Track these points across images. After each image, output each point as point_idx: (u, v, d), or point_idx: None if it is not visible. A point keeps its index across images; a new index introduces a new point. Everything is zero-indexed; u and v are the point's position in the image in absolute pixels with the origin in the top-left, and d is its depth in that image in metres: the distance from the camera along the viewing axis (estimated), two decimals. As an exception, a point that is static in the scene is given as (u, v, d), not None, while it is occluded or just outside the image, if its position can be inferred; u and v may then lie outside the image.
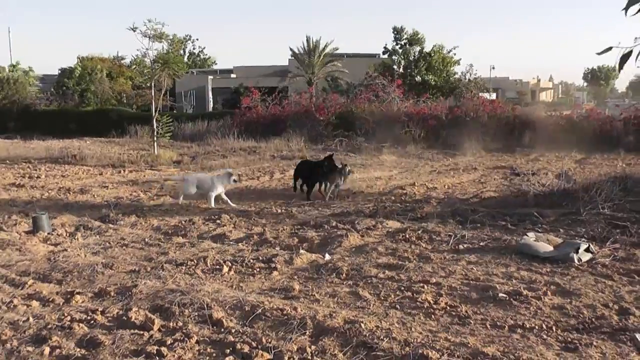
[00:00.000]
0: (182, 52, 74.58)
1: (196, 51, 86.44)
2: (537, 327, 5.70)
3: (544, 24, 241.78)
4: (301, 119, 30.90)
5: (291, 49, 54.07)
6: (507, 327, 5.73)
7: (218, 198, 13.07)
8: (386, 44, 55.42)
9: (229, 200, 13.03)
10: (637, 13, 4.07)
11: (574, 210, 10.76)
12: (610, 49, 4.22)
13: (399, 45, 54.01)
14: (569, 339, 5.43)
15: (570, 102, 67.71)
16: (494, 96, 56.19)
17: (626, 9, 4.09)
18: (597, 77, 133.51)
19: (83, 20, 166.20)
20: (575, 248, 8.17)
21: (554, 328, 5.69)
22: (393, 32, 54.21)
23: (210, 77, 66.47)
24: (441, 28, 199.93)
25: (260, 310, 5.96)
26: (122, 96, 51.83)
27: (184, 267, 7.87)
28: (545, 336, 5.51)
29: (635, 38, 4.05)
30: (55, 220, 11.04)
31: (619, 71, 4.60)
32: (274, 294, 6.77)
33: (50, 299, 6.59)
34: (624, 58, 4.30)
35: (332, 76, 52.02)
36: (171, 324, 5.73)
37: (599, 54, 4.25)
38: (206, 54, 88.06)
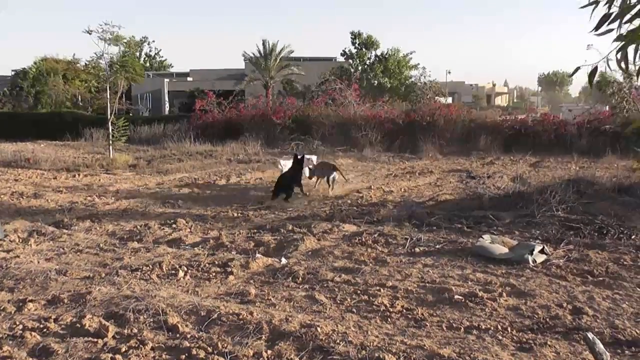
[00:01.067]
0: (138, 54, 73.90)
1: (152, 53, 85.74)
2: (492, 328, 5.79)
3: (498, 30, 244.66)
4: (258, 122, 30.85)
5: (246, 53, 53.98)
6: (462, 328, 5.81)
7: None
8: (345, 48, 55.76)
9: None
10: (605, 33, 4.17)
11: (529, 212, 10.95)
12: (579, 68, 4.33)
13: (356, 49, 54.30)
14: (524, 339, 5.53)
15: (525, 106, 68.46)
16: (450, 100, 56.72)
17: (597, 28, 4.19)
18: (552, 83, 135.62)
19: (38, 21, 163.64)
20: (530, 250, 8.33)
21: (509, 329, 5.79)
22: (350, 36, 54.54)
23: (167, 80, 66.03)
24: (399, 33, 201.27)
25: (215, 315, 5.96)
26: (77, 99, 51.20)
27: (139, 273, 7.80)
28: (500, 337, 5.60)
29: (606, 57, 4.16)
30: (7, 226, 10.84)
31: (591, 86, 4.73)
32: (230, 298, 6.76)
33: (2, 307, 6.46)
34: (592, 74, 4.41)
35: (289, 79, 52.06)
36: (126, 330, 5.67)
37: (569, 76, 4.42)
38: (162, 57, 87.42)
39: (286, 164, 16.29)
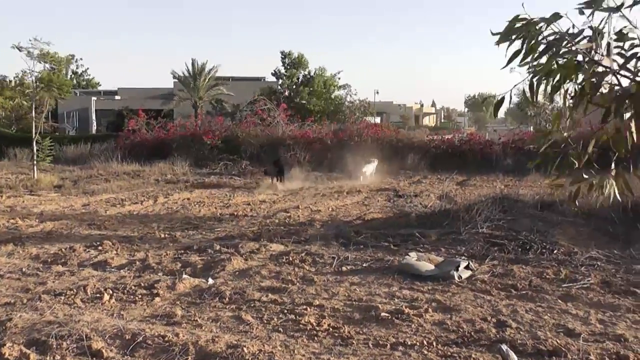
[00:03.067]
0: (65, 71, 72.63)
1: (80, 71, 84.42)
2: (418, 344, 5.87)
3: (426, 51, 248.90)
4: (187, 142, 30.64)
5: (175, 73, 53.65)
6: (389, 345, 5.86)
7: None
8: (275, 68, 55.81)
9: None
10: (520, 65, 4.34)
11: (455, 229, 11.16)
12: (502, 102, 4.51)
13: (285, 69, 54.42)
14: (449, 353, 5.64)
15: (452, 126, 69.85)
16: (378, 120, 57.32)
17: (508, 63, 4.36)
18: (478, 104, 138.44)
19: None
20: (455, 266, 8.48)
21: (434, 343, 5.88)
22: (281, 56, 54.64)
23: (94, 98, 65.18)
24: (328, 52, 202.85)
25: (141, 338, 5.87)
26: (1, 117, 49.92)
27: (62, 297, 7.62)
28: (426, 352, 5.69)
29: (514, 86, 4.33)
30: None
31: (495, 116, 4.92)
32: (156, 320, 6.68)
33: None
34: (497, 105, 4.59)
35: (218, 99, 51.91)
36: (48, 358, 5.53)
37: (481, 103, 4.62)
38: (90, 75, 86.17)
39: (368, 168, 23.64)
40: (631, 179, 4.42)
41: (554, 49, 4.18)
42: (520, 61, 4.32)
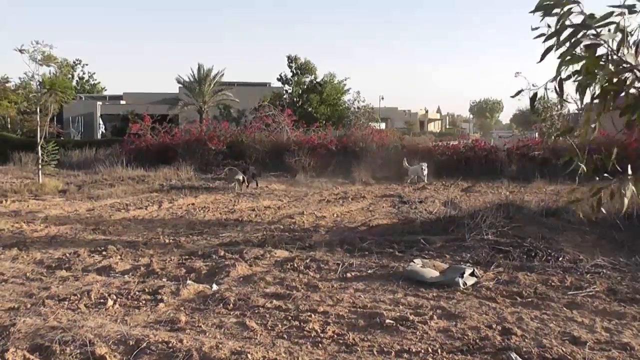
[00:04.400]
0: (70, 76, 72.73)
1: (85, 76, 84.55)
2: (423, 351, 5.84)
3: (431, 57, 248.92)
4: (192, 147, 30.66)
5: (181, 78, 53.69)
6: (393, 352, 5.83)
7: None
8: (282, 72, 55.71)
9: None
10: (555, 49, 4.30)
11: (460, 236, 11.11)
12: (521, 91, 4.46)
13: (292, 74, 54.35)
14: (454, 361, 5.61)
15: (457, 132, 69.82)
16: (383, 126, 57.29)
17: (541, 59, 4.33)
18: (483, 110, 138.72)
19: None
20: (460, 273, 8.44)
21: (439, 351, 5.85)
22: (287, 61, 54.57)
23: (99, 103, 65.21)
24: (333, 58, 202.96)
25: (145, 344, 5.86)
26: (6, 121, 49.99)
27: (66, 302, 7.61)
28: (430, 359, 5.67)
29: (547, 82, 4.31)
30: None
31: (533, 110, 4.89)
32: (160, 326, 6.66)
33: None
34: (533, 99, 4.55)
35: (224, 104, 51.93)
36: (51, 363, 5.54)
37: (512, 96, 4.50)
38: (96, 79, 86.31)
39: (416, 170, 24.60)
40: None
41: (579, 35, 4.12)
42: (549, 44, 4.27)
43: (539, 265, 9.30)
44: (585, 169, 4.60)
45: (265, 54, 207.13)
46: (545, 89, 4.52)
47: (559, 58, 4.29)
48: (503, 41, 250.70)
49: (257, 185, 21.82)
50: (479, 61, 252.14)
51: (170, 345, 5.85)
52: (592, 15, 4.11)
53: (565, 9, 4.11)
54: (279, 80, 55.79)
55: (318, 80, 53.51)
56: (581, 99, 4.44)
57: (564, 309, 7.26)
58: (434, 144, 31.63)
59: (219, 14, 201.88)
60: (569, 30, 4.21)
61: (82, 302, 7.61)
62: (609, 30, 4.11)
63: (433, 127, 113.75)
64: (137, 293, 8.01)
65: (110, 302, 7.58)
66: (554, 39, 4.27)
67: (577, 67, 4.26)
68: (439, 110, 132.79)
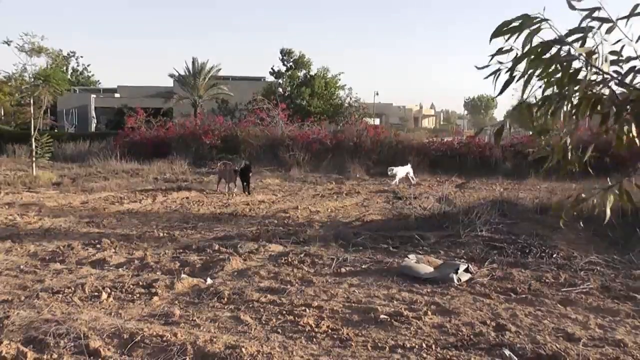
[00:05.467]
0: (64, 68, 72.45)
1: (80, 68, 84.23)
2: (417, 347, 5.85)
3: (426, 53, 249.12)
4: (186, 141, 30.68)
5: (175, 72, 53.51)
6: (388, 347, 5.85)
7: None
8: (274, 66, 55.46)
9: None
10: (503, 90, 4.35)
11: (454, 232, 11.14)
12: (487, 66, 4.45)
13: (286, 68, 54.12)
14: (448, 356, 5.64)
15: (451, 129, 69.76)
16: (377, 121, 57.27)
17: (500, 93, 4.37)
18: (477, 107, 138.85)
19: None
20: (454, 269, 8.47)
21: (433, 346, 5.87)
22: (281, 54, 54.31)
23: (94, 95, 64.95)
24: (327, 53, 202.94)
25: (139, 338, 5.86)
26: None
27: (60, 295, 7.60)
28: (425, 355, 5.68)
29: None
30: None
31: (497, 146, 4.92)
32: (154, 320, 6.66)
33: None
34: (499, 133, 4.64)
35: (219, 98, 51.77)
36: (45, 356, 5.51)
37: (479, 68, 4.48)
38: (90, 72, 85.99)
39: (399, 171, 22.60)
40: (632, 189, 4.39)
41: (553, 50, 4.14)
42: (505, 85, 4.31)
43: (533, 262, 9.33)
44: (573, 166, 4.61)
45: (260, 48, 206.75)
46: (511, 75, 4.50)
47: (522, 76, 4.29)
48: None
49: (248, 188, 19.23)
50: (473, 58, 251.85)
51: (164, 338, 5.85)
52: (565, 35, 4.15)
53: (533, 28, 4.11)
54: (271, 74, 55.54)
55: (312, 74, 53.28)
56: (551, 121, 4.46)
57: (558, 305, 7.29)
58: (428, 140, 31.62)
59: (214, 7, 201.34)
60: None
61: (76, 295, 7.60)
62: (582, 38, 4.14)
63: (427, 123, 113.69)
64: (131, 286, 8.01)
65: (104, 295, 7.57)
66: (522, 62, 4.27)
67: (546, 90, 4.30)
68: (432, 107, 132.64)
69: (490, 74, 4.40)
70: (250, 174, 19.33)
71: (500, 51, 4.27)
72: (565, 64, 4.11)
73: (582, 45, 4.10)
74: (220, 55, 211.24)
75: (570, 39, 4.10)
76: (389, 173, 22.44)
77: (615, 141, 4.30)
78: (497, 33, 4.20)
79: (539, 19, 4.07)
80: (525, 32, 4.09)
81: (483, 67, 4.44)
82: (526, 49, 4.13)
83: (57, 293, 7.70)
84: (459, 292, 7.83)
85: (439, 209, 13.59)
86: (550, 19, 4.07)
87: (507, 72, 4.29)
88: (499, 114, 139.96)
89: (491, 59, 4.32)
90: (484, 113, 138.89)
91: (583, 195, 4.40)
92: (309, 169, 26.76)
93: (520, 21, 4.10)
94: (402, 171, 22.96)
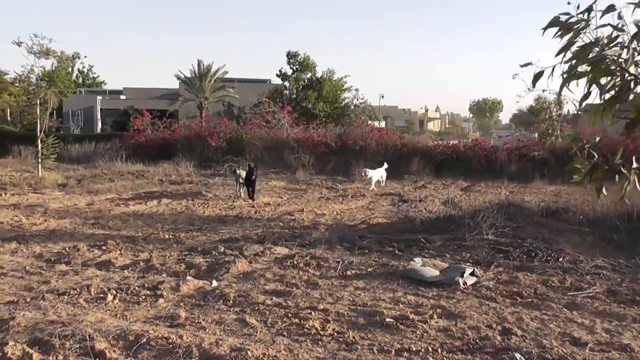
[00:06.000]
0: (70, 70, 72.59)
1: (85, 70, 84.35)
2: (423, 350, 5.83)
3: (432, 56, 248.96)
4: (192, 143, 30.73)
5: (181, 74, 53.57)
6: (393, 351, 5.82)
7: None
8: (281, 68, 55.48)
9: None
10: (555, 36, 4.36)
11: (460, 236, 11.12)
12: (530, 63, 4.50)
13: (292, 70, 54.12)
14: (454, 360, 5.60)
15: (456, 132, 69.88)
16: (383, 124, 57.26)
17: (533, 84, 4.40)
18: (482, 109, 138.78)
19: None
20: (460, 272, 8.44)
21: (439, 350, 5.84)
22: (287, 57, 54.32)
23: (99, 97, 65.13)
24: (333, 55, 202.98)
25: (144, 340, 5.85)
26: (5, 114, 49.92)
27: (66, 297, 7.60)
28: (430, 358, 5.67)
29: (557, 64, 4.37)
30: None
31: (533, 87, 4.92)
32: (160, 322, 6.65)
33: None
34: (537, 77, 4.57)
35: (224, 101, 51.84)
36: (51, 357, 5.50)
37: (521, 66, 4.54)
38: (95, 73, 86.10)
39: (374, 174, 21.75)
40: None
41: (586, 51, 4.16)
42: (563, 54, 4.32)
43: (538, 266, 9.30)
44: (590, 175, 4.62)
45: (265, 50, 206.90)
46: (551, 74, 4.54)
47: (563, 75, 4.33)
48: (504, 41, 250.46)
49: (253, 194, 18.19)
50: (479, 61, 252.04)
51: (170, 340, 5.84)
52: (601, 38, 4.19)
53: (578, 25, 4.17)
54: (278, 76, 55.57)
55: (317, 76, 53.27)
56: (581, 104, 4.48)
57: (564, 309, 7.25)
58: (433, 143, 31.60)
59: (220, 9, 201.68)
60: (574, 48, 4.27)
61: (82, 297, 7.60)
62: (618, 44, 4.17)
63: (432, 126, 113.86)
64: (136, 288, 8.00)
65: (110, 297, 7.57)
66: (561, 55, 4.30)
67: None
68: (438, 109, 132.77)
69: (525, 65, 4.45)
70: (254, 177, 18.24)
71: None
72: (597, 63, 4.14)
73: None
74: (226, 57, 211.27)
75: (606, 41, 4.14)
76: (363, 176, 21.76)
77: None
78: (548, 26, 4.27)
79: (583, 21, 4.13)
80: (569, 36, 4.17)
81: (525, 65, 4.50)
82: (573, 49, 4.18)
83: (63, 294, 7.70)
84: (464, 296, 7.81)
85: (444, 212, 13.59)
86: (591, 21, 4.13)
87: (552, 71, 4.32)
88: (504, 117, 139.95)
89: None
90: (489, 116, 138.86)
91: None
92: (314, 171, 26.79)
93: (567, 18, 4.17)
94: (377, 174, 22.53)
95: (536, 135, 32.85)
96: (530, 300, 7.63)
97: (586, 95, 4.32)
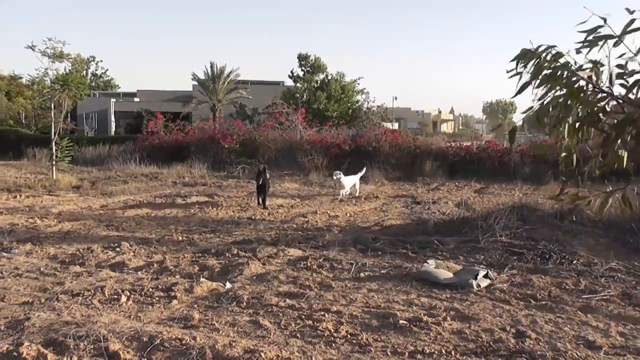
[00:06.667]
0: (84, 73, 72.97)
1: (99, 72, 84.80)
2: (436, 352, 5.82)
3: (446, 58, 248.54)
4: (205, 145, 30.75)
5: (195, 75, 53.74)
6: (407, 353, 5.82)
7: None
8: (292, 70, 55.61)
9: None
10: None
11: (473, 238, 11.10)
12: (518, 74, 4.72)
13: (303, 72, 54.20)
14: (467, 363, 5.59)
15: (470, 133, 69.65)
16: (396, 126, 57.20)
17: (518, 93, 4.58)
18: (496, 111, 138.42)
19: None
20: (474, 274, 8.42)
21: (453, 352, 5.83)
22: (298, 59, 54.41)
23: (113, 99, 65.46)
24: (347, 57, 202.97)
25: (158, 341, 5.86)
26: (21, 116, 50.28)
27: (80, 298, 7.63)
28: (444, 360, 5.64)
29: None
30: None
31: (511, 144, 5.17)
32: (173, 323, 6.66)
33: None
34: (512, 132, 4.90)
35: (238, 102, 51.97)
36: (65, 358, 5.52)
37: (512, 97, 4.77)
38: (109, 76, 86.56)
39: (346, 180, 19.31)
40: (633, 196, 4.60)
41: (557, 74, 4.32)
42: (521, 88, 4.51)
43: (552, 268, 9.25)
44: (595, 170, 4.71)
45: (279, 52, 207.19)
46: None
47: (539, 100, 4.54)
48: (517, 43, 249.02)
49: (264, 200, 17.17)
50: (494, 60, 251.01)
51: (183, 342, 5.85)
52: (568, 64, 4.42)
53: (543, 55, 4.37)
54: (290, 78, 55.69)
55: (326, 78, 53.36)
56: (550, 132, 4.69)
57: (579, 312, 7.22)
58: (446, 145, 31.52)
59: (233, 12, 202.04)
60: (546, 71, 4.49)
61: (96, 298, 7.63)
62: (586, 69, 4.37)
63: (446, 127, 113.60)
64: (150, 290, 8.03)
65: (123, 298, 7.60)
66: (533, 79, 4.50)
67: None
68: (452, 111, 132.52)
69: (513, 75, 4.58)
70: (262, 180, 17.13)
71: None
72: (570, 83, 4.28)
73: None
74: (239, 59, 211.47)
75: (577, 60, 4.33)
76: (334, 178, 19.59)
77: (616, 160, 4.40)
78: (516, 58, 4.50)
79: (549, 49, 4.31)
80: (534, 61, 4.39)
81: (511, 71, 4.64)
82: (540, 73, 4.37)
83: (77, 295, 7.74)
84: (478, 298, 7.79)
85: (458, 214, 13.57)
86: (557, 46, 4.34)
87: (523, 85, 4.50)
88: (517, 118, 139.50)
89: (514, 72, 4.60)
90: (502, 117, 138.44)
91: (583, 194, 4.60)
92: (327, 173, 26.74)
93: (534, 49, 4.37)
94: (350, 180, 19.87)
95: (549, 137, 32.63)
96: (544, 302, 7.59)
97: (559, 119, 4.49)
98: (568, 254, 9.94)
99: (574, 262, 9.57)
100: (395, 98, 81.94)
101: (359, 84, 54.11)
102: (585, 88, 4.34)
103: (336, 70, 61.00)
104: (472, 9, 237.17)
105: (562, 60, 4.42)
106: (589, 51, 4.30)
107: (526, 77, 4.53)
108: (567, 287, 8.29)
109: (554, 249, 10.14)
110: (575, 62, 4.36)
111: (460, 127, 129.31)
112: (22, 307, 7.29)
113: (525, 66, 4.50)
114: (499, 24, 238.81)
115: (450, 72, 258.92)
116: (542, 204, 14.38)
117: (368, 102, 52.13)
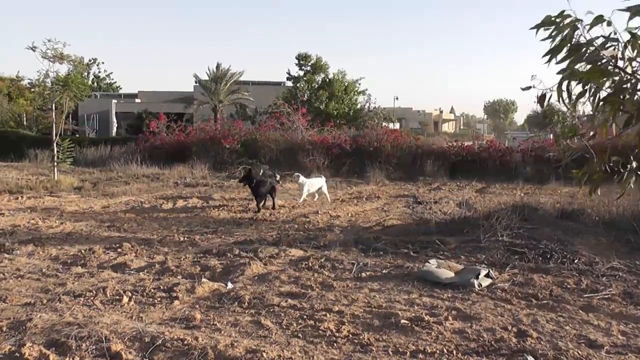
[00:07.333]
0: (86, 74, 73.00)
1: (101, 75, 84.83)
2: (438, 352, 5.82)
3: (446, 57, 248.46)
4: (206, 145, 30.75)
5: (197, 76, 53.73)
6: (408, 352, 5.82)
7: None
8: (289, 70, 55.61)
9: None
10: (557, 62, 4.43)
11: (475, 237, 11.10)
12: (530, 87, 4.55)
13: (304, 72, 54.17)
14: (469, 362, 5.59)
15: (471, 133, 69.60)
16: (397, 126, 57.20)
17: (550, 58, 4.46)
18: (497, 111, 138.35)
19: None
20: (475, 274, 8.42)
21: (454, 352, 5.83)
22: (297, 59, 54.37)
23: (114, 101, 65.48)
24: (348, 57, 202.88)
25: (160, 341, 5.87)
26: (22, 118, 50.32)
27: (82, 299, 7.64)
28: (446, 360, 5.64)
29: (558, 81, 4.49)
30: (-56, 251, 10.57)
31: (542, 107, 4.99)
32: (175, 323, 6.67)
33: None
34: (542, 98, 4.62)
35: (239, 103, 51.96)
36: (67, 359, 5.53)
37: (523, 89, 4.58)
38: (112, 78, 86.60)
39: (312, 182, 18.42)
40: None
41: (581, 50, 4.21)
42: (549, 58, 4.37)
43: (554, 267, 9.26)
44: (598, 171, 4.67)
45: (280, 53, 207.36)
46: (550, 90, 4.60)
47: (559, 73, 4.39)
48: (518, 42, 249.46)
49: (259, 203, 16.42)
50: (494, 60, 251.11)
51: (185, 342, 5.86)
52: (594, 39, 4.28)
53: (567, 21, 4.23)
54: (288, 79, 55.67)
55: (327, 78, 53.34)
56: (571, 100, 4.55)
57: (580, 311, 7.22)
58: (448, 145, 31.51)
59: (234, 13, 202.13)
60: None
61: (98, 299, 7.64)
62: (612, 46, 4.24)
63: (447, 127, 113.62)
64: (152, 290, 8.04)
65: (125, 299, 7.60)
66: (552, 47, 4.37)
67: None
68: (452, 111, 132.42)
69: (526, 88, 4.51)
70: (256, 181, 16.45)
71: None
72: (594, 60, 4.17)
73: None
74: (240, 60, 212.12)
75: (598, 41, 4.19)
76: (295, 180, 18.91)
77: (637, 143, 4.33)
78: (539, 25, 4.32)
79: (574, 18, 4.15)
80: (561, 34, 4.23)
81: (527, 88, 4.56)
82: (564, 47, 4.23)
83: (79, 296, 7.74)
84: (479, 298, 7.79)
85: (459, 213, 13.57)
86: (582, 20, 4.17)
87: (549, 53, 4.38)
88: (518, 118, 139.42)
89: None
90: (503, 117, 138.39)
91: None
92: (329, 173, 26.73)
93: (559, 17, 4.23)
94: (316, 183, 18.73)
95: (551, 137, 32.68)
96: (545, 302, 7.59)
97: (581, 94, 4.36)
98: (569, 253, 9.95)
99: (576, 261, 9.58)
100: (397, 98, 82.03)
101: (360, 84, 54.15)
102: (608, 66, 4.25)
103: (338, 68, 61.04)
104: (473, 9, 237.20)
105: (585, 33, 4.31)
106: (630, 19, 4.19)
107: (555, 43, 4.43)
108: (568, 286, 8.29)
109: (555, 248, 10.15)
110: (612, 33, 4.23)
111: (462, 127, 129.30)
112: (24, 308, 7.29)
113: (551, 35, 4.39)
114: (499, 23, 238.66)
115: (450, 71, 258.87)
116: (544, 203, 14.39)
117: (369, 104, 52.22)
